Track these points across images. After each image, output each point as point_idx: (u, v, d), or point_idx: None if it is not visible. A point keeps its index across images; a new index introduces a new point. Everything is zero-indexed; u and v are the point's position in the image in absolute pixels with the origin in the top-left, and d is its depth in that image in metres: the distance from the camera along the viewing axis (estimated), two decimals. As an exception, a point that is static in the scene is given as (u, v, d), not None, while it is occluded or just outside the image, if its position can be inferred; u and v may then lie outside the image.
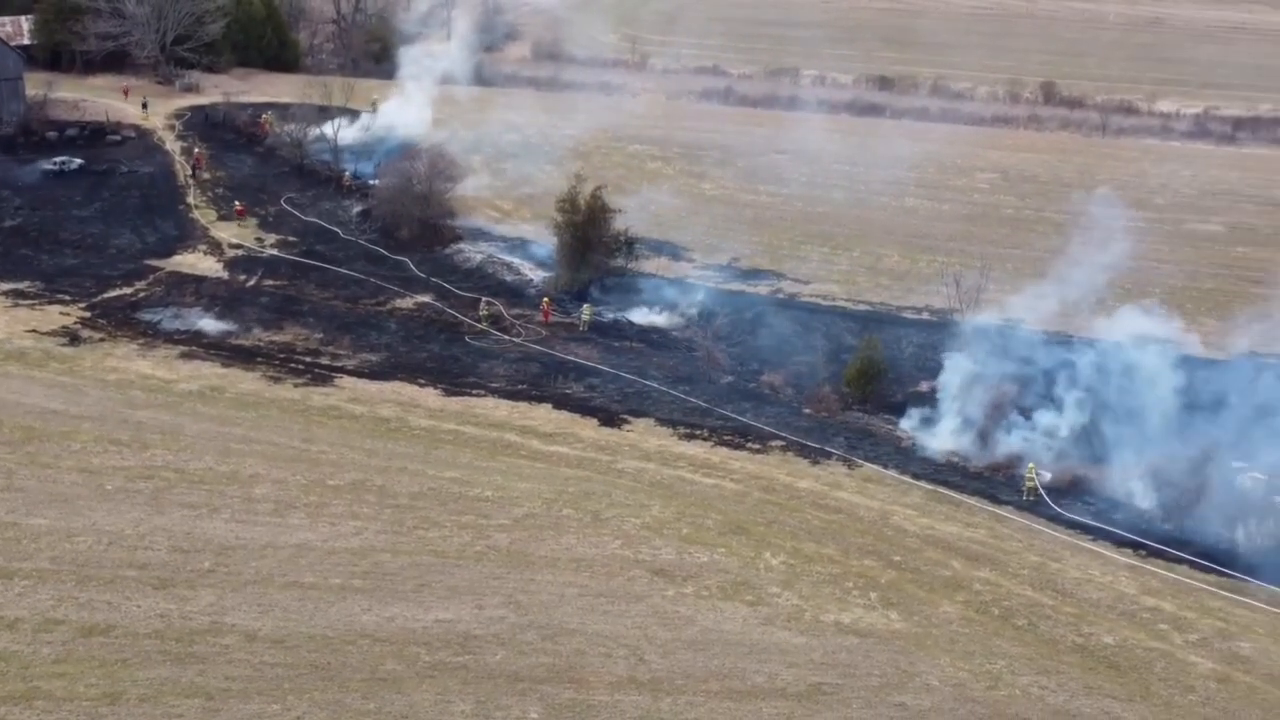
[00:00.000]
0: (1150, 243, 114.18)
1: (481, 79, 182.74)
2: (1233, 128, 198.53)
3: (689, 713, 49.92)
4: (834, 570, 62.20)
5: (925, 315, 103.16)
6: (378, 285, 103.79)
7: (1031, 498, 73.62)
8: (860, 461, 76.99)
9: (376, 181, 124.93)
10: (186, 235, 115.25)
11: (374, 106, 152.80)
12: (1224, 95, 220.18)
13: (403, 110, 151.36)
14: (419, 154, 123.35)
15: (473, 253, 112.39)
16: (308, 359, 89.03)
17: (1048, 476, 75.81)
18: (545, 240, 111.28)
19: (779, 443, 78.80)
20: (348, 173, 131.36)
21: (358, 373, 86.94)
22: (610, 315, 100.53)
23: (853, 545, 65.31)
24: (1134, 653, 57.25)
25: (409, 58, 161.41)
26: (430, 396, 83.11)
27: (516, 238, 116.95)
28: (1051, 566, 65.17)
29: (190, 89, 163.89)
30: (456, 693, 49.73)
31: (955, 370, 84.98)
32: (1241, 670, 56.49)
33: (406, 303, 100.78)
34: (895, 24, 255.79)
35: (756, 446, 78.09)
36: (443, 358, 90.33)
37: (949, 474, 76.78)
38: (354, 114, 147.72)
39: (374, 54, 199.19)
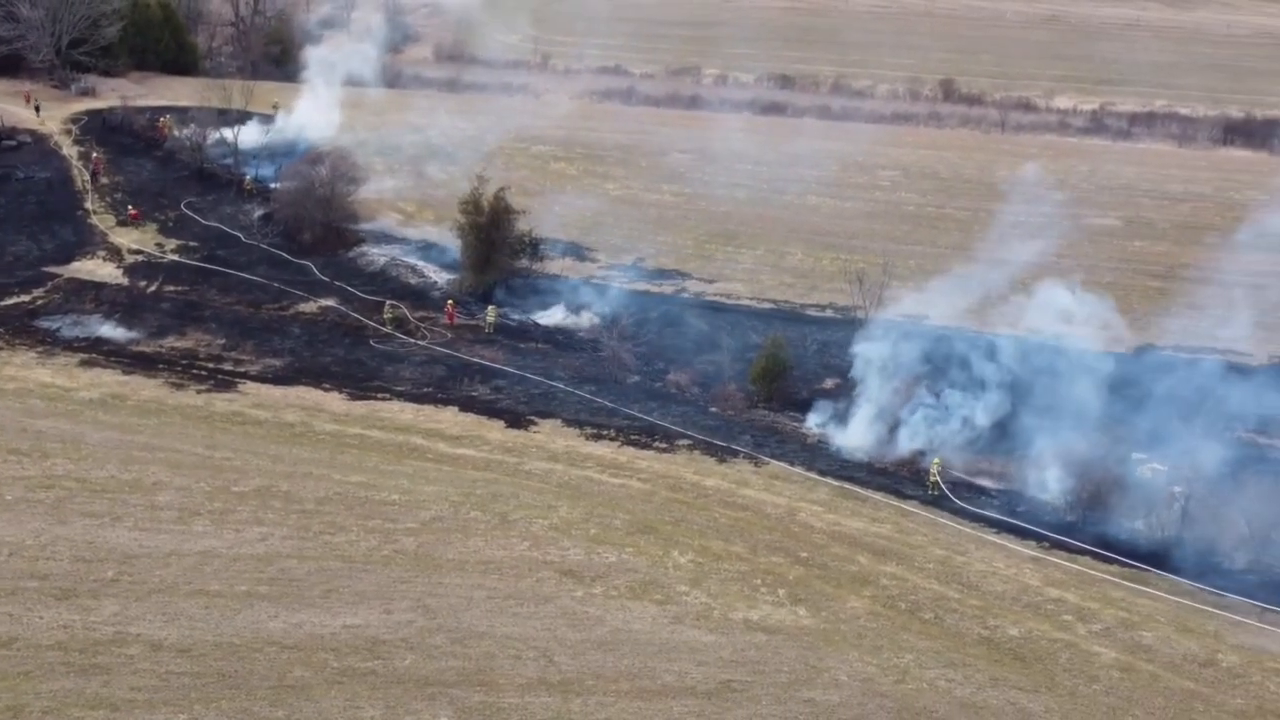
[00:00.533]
0: (1048, 238, 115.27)
1: (384, 81, 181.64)
2: (1128, 123, 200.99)
3: (599, 713, 49.94)
4: (742, 568, 62.46)
5: (829, 313, 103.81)
6: (281, 289, 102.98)
7: (935, 492, 74.28)
8: (767, 459, 77.35)
9: (278, 185, 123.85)
10: (85, 241, 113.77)
11: (276, 109, 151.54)
12: (1119, 92, 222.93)
13: (305, 113, 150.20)
14: (321, 157, 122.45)
15: (377, 255, 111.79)
16: (210, 365, 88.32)
17: (954, 471, 76.51)
18: (449, 242, 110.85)
19: (686, 442, 79.04)
20: (249, 176, 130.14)
21: (261, 378, 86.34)
22: (516, 317, 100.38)
23: (760, 542, 65.62)
24: (1039, 644, 57.94)
25: (310, 60, 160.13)
26: (335, 401, 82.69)
27: (420, 240, 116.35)
28: (957, 560, 65.83)
29: (87, 93, 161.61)
30: (366, 698, 49.46)
31: (860, 367, 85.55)
32: (1144, 659, 57.31)
33: (310, 307, 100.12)
34: (796, 23, 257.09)
35: (663, 446, 78.30)
36: (347, 362, 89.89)
37: (855, 470, 77.33)
38: (255, 117, 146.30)
39: (274, 56, 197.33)
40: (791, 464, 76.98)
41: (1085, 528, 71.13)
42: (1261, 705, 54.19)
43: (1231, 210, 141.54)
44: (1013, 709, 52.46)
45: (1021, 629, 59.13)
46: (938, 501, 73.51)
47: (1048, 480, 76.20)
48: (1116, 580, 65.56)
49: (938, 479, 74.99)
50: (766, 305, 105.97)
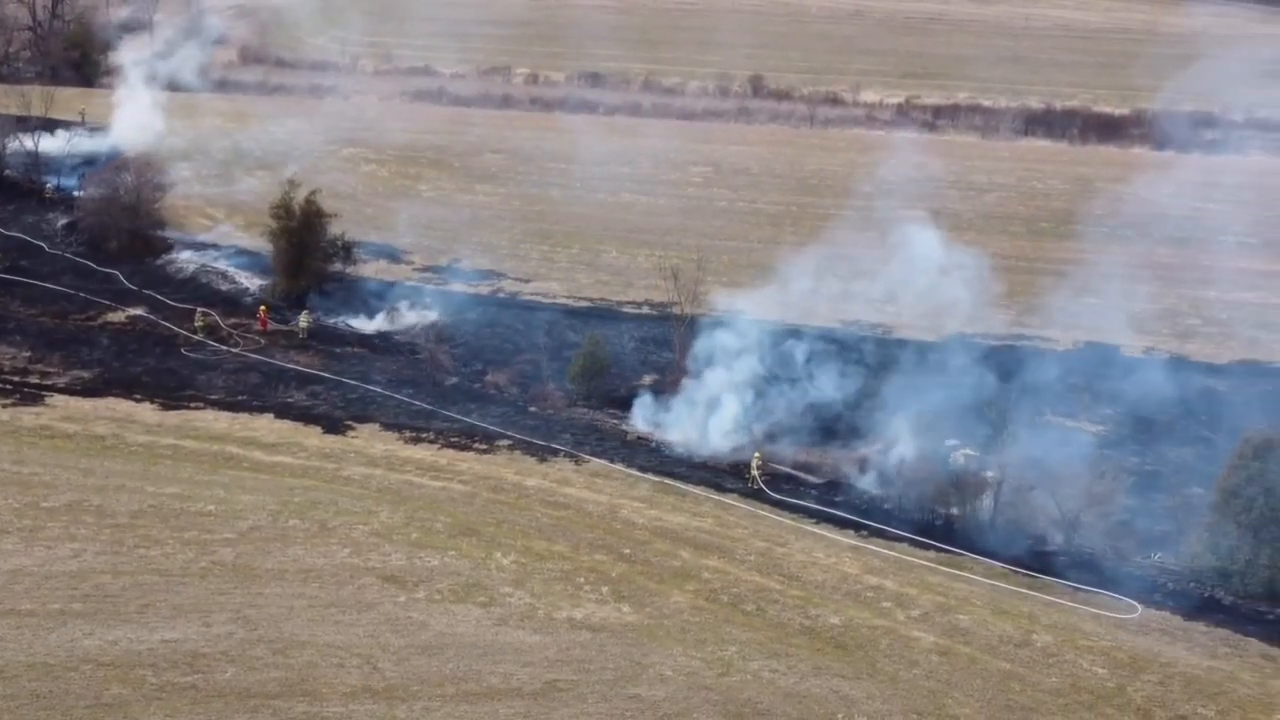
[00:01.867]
0: (859, 230, 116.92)
1: (190, 84, 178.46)
2: (933, 116, 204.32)
3: (425, 718, 49.78)
4: (565, 566, 62.55)
5: (645, 310, 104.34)
6: (87, 299, 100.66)
7: (755, 486, 74.90)
8: (587, 457, 77.45)
9: (81, 193, 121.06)
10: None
11: (83, 116, 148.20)
12: (924, 85, 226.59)
13: (110, 118, 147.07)
14: (127, 163, 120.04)
15: (186, 263, 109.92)
16: (16, 378, 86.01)
17: (774, 464, 77.21)
18: (261, 247, 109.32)
19: (506, 442, 78.85)
20: (50, 185, 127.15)
21: (69, 390, 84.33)
22: (330, 321, 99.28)
23: (583, 541, 65.74)
24: (859, 631, 58.79)
25: (113, 64, 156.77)
26: (147, 411, 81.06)
27: (231, 246, 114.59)
28: (777, 551, 66.49)
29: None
30: (186, 713, 48.78)
31: (677, 363, 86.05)
32: (962, 642, 58.43)
33: (118, 316, 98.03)
34: (605, 21, 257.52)
35: (483, 447, 78.03)
36: (158, 371, 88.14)
37: (675, 466, 77.68)
38: (58, 124, 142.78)
39: (74, 61, 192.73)
40: (612, 461, 77.17)
41: (902, 516, 72.23)
42: (1076, 683, 55.56)
43: (1034, 199, 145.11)
44: (836, 697, 53.21)
45: (842, 617, 59.94)
46: (758, 495, 74.13)
47: (865, 470, 77.25)
48: (933, 566, 66.73)
49: (756, 474, 75.61)
50: (583, 303, 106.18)
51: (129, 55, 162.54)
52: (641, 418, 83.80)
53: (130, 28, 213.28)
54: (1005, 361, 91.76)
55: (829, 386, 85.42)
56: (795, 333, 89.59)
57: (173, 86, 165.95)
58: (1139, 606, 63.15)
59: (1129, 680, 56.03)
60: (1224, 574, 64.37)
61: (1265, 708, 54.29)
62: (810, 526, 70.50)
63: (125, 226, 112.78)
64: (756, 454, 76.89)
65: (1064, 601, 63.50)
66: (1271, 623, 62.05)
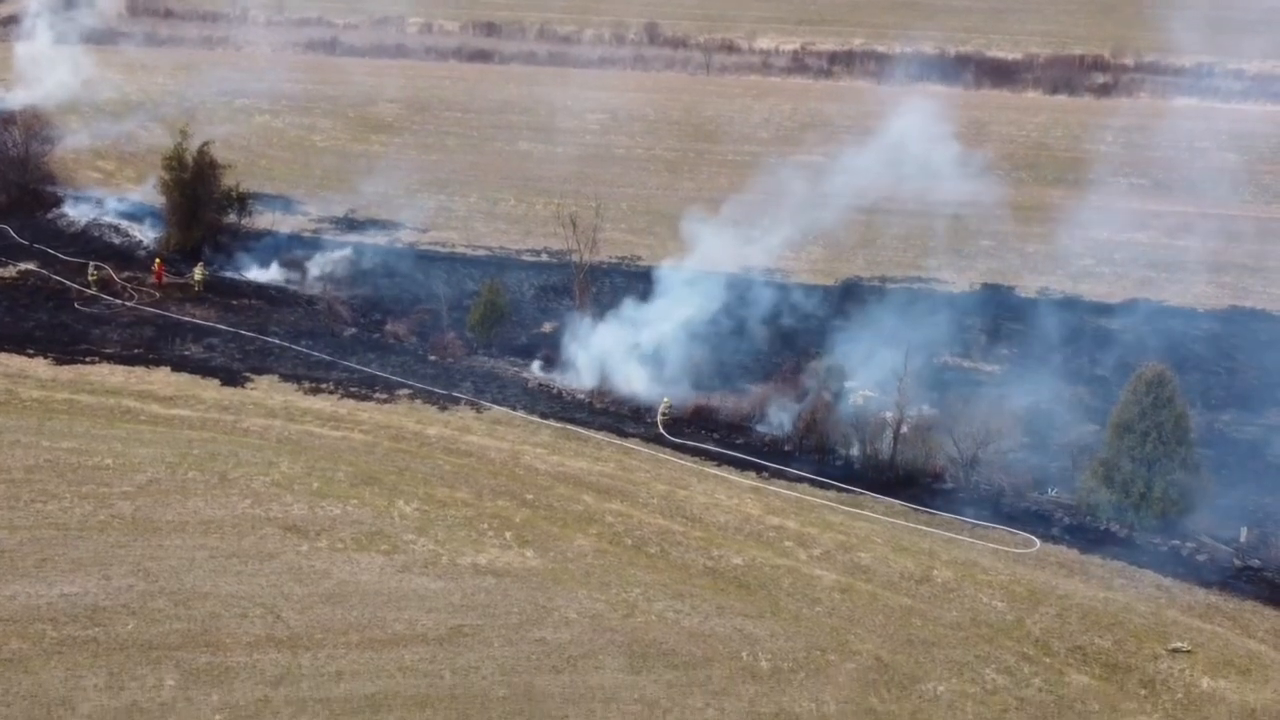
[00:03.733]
0: (754, 176, 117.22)
1: (77, 37, 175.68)
2: (828, 62, 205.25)
3: (329, 666, 49.67)
4: (468, 513, 62.50)
5: (545, 257, 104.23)
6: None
7: (674, 431, 74.86)
8: (488, 404, 77.29)
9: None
10: None
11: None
12: (819, 31, 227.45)
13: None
14: (12, 117, 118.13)
15: (77, 216, 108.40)
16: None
17: (675, 407, 77.35)
18: (154, 200, 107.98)
19: (406, 391, 78.50)
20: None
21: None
22: (226, 273, 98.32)
23: (485, 487, 65.68)
24: (762, 571, 59.18)
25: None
26: (40, 366, 79.92)
27: (123, 199, 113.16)
28: (679, 494, 66.75)
29: None
30: (87, 667, 48.39)
31: (576, 310, 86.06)
32: (863, 580, 58.98)
33: (9, 271, 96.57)
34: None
35: (384, 396, 77.65)
36: (51, 326, 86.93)
37: (576, 411, 77.68)
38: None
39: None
40: (513, 408, 77.04)
41: (802, 457, 72.71)
42: (975, 617, 56.28)
43: (929, 144, 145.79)
44: (739, 635, 53.61)
45: (745, 558, 60.30)
46: (659, 439, 74.31)
47: (765, 412, 77.65)
48: (834, 505, 67.23)
49: (668, 416, 75.71)
50: (482, 252, 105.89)
51: (11, 8, 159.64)
52: (541, 364, 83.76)
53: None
54: (901, 303, 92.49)
55: (728, 330, 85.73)
56: (695, 278, 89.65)
57: (59, 40, 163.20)
58: (1036, 541, 64.01)
59: (1027, 613, 56.83)
60: (1119, 508, 65.31)
61: (1160, 637, 55.27)
62: (712, 469, 70.75)
63: (14, 180, 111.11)
64: (665, 399, 77.00)
65: (963, 538, 64.23)
66: (1165, 554, 63.07)
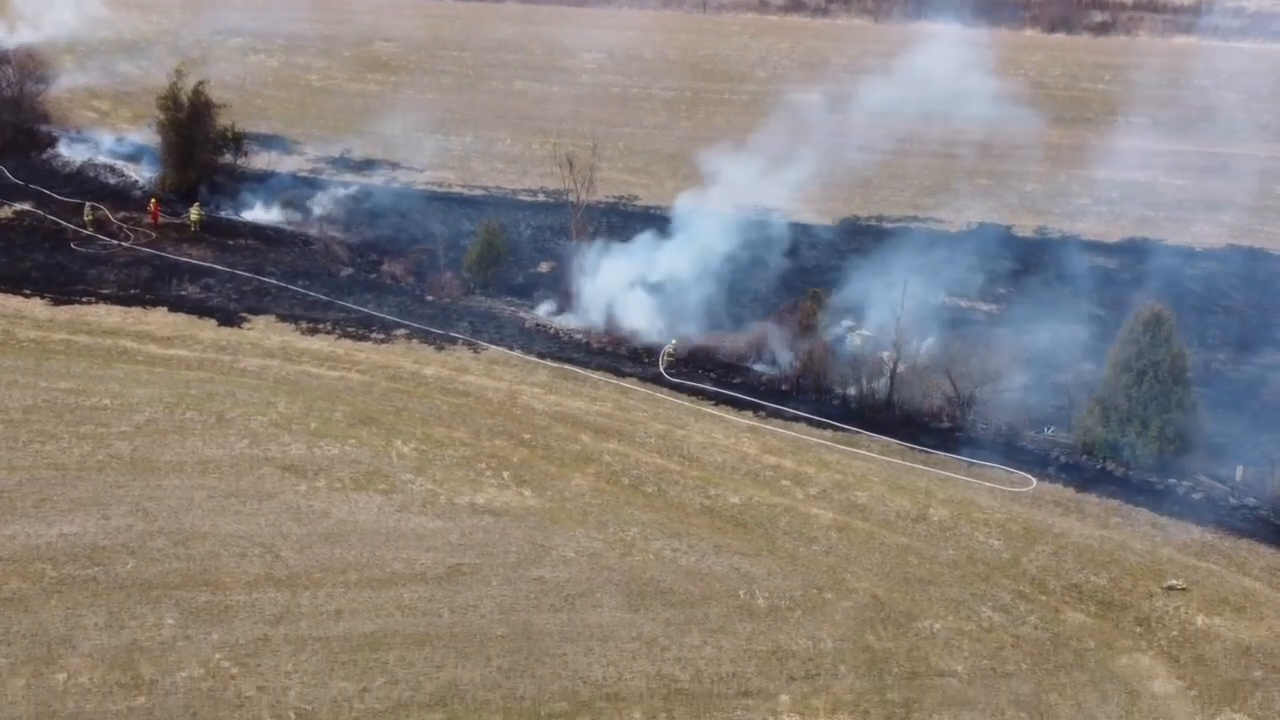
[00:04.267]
0: (752, 115, 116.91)
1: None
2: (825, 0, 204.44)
3: (329, 605, 49.83)
4: (466, 453, 62.57)
5: (541, 197, 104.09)
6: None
7: (672, 372, 74.57)
8: (485, 345, 77.27)
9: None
10: None
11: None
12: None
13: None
14: (6, 56, 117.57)
15: (72, 156, 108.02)
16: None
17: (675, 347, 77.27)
18: (149, 140, 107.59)
19: (403, 331, 78.48)
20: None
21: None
22: (223, 213, 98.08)
23: (483, 427, 65.73)
24: (759, 510, 59.32)
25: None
26: (37, 307, 79.83)
27: (118, 139, 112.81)
28: (677, 434, 66.83)
29: None
30: (87, 606, 48.53)
31: (575, 249, 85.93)
32: (859, 518, 59.15)
33: (4, 211, 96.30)
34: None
35: (381, 336, 77.62)
36: (48, 266, 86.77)
37: (573, 351, 77.68)
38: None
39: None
40: (510, 348, 77.04)
41: (800, 396, 72.77)
42: (971, 555, 56.48)
43: (927, 83, 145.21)
44: (736, 574, 53.79)
45: (742, 497, 60.45)
46: (657, 378, 74.31)
47: (764, 352, 77.66)
48: (831, 445, 67.33)
49: (673, 358, 75.24)
50: (479, 192, 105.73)
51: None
52: (538, 304, 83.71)
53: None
54: (900, 243, 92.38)
55: (727, 270, 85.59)
56: (692, 218, 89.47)
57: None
58: (1033, 480, 64.18)
59: (1023, 551, 57.03)
60: (1115, 446, 65.45)
61: (1154, 575, 55.49)
62: (709, 409, 70.81)
63: (8, 120, 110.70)
64: (673, 341, 76.67)
65: (959, 477, 64.38)
66: (1161, 492, 63.29)
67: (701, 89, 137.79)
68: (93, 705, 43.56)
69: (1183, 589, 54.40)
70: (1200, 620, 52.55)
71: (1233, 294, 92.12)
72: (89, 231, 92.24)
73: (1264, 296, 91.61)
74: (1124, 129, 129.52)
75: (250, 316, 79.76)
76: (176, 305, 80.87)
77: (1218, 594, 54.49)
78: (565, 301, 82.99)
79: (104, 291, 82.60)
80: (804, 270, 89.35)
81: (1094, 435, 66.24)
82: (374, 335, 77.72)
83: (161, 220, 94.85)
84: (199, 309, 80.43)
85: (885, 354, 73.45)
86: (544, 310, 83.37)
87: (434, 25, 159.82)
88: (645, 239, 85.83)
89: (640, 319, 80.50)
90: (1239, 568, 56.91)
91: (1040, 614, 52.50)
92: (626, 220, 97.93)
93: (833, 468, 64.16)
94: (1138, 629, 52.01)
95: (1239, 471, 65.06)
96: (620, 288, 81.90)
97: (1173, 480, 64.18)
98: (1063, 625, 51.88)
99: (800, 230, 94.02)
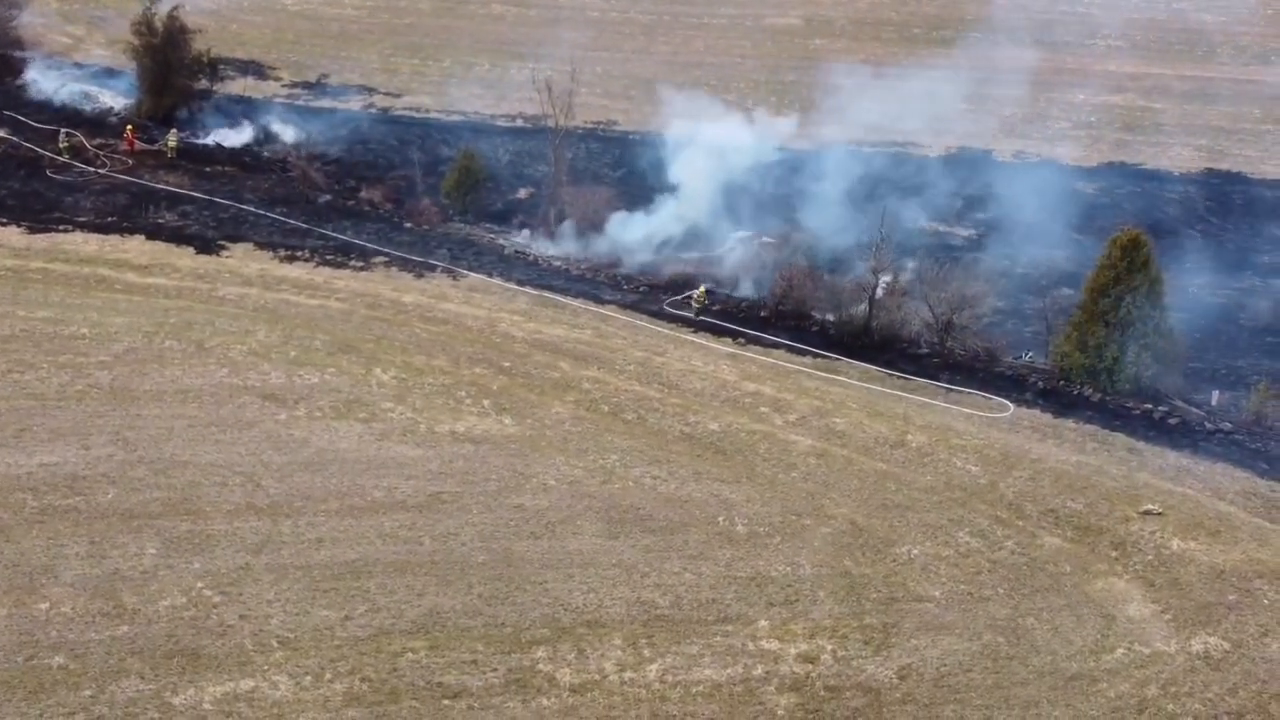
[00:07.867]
0: (731, 39, 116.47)
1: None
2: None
3: (309, 533, 50.08)
4: (446, 381, 62.68)
5: (520, 123, 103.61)
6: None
7: (700, 316, 73.44)
8: (465, 272, 77.16)
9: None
10: None
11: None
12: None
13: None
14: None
15: (46, 83, 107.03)
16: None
17: (649, 273, 77.16)
18: (124, 66, 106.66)
19: (382, 259, 78.28)
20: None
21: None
22: (199, 140, 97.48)
23: (462, 355, 65.80)
24: (738, 436, 59.60)
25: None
26: (13, 235, 79.39)
27: (92, 65, 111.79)
28: (656, 361, 66.96)
29: None
30: (69, 535, 48.72)
31: (552, 176, 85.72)
32: (838, 445, 59.47)
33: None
34: None
35: (359, 264, 77.44)
36: (23, 194, 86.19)
37: (553, 278, 77.60)
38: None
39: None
40: (490, 275, 76.91)
41: (778, 323, 72.82)
42: (949, 480, 56.87)
43: (906, 5, 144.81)
44: (716, 500, 54.14)
45: (721, 423, 60.69)
46: (636, 305, 74.25)
47: (743, 277, 77.70)
48: (809, 371, 67.57)
49: (703, 303, 73.89)
50: (456, 118, 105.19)
51: None
52: (518, 230, 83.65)
53: None
54: (877, 168, 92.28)
55: (706, 196, 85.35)
56: (672, 142, 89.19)
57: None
58: (1010, 406, 64.54)
59: (1001, 476, 57.43)
60: (1092, 372, 65.79)
61: (1130, 499, 55.93)
62: (689, 336, 70.89)
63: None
64: (701, 288, 75.06)
65: (937, 403, 64.72)
66: (1137, 418, 63.72)
67: (681, 12, 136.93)
68: (75, 634, 43.83)
69: (1159, 514, 54.87)
70: (1175, 544, 53.04)
71: (1210, 218, 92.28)
72: (65, 159, 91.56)
73: (1241, 221, 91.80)
74: (1103, 52, 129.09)
75: (228, 244, 79.46)
76: (154, 233, 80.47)
77: (1193, 518, 54.98)
78: (543, 228, 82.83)
79: (80, 219, 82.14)
80: (789, 194, 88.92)
81: (1071, 361, 66.57)
82: (353, 263, 77.53)
83: (137, 147, 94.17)
84: (176, 237, 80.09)
85: (863, 279, 73.14)
86: (523, 237, 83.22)
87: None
88: (625, 165, 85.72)
89: (622, 244, 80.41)
90: (1214, 492, 57.42)
91: (1017, 539, 52.97)
92: (605, 146, 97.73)
93: (812, 394, 64.40)
94: (1113, 553, 52.51)
95: (1215, 396, 65.52)
96: (600, 214, 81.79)
97: (1149, 405, 64.65)
98: (1039, 550, 52.36)
99: (778, 154, 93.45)
